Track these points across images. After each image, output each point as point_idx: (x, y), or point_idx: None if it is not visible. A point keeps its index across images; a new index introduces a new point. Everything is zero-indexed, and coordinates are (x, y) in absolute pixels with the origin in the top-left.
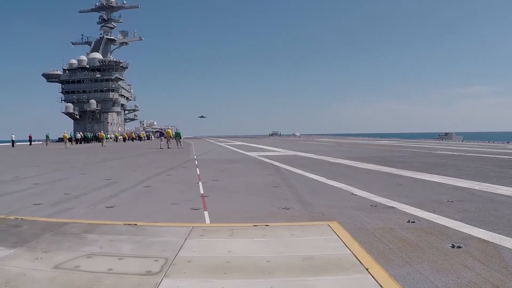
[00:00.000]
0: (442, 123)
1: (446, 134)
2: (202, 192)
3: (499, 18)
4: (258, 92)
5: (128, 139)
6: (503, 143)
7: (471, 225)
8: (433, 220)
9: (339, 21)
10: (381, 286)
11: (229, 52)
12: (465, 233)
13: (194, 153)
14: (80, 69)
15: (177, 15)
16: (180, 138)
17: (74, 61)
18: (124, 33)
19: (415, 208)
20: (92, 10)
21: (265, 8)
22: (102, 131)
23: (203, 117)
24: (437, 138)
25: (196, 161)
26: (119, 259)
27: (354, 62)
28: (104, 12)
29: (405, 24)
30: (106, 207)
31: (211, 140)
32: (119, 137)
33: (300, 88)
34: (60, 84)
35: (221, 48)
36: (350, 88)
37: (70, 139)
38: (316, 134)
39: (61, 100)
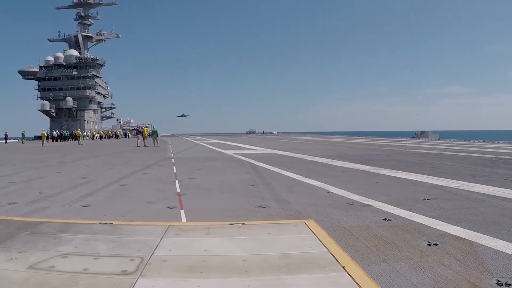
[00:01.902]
0: (420, 123)
1: (423, 132)
2: (178, 190)
3: (477, 21)
4: (235, 90)
5: (105, 137)
6: (478, 141)
7: (447, 222)
8: (410, 218)
9: (319, 22)
10: (357, 284)
11: (207, 51)
12: (441, 230)
13: (171, 151)
14: (56, 66)
15: (154, 13)
16: (157, 136)
17: (51, 58)
18: (99, 32)
19: (391, 206)
20: (70, 6)
21: (244, 7)
22: (79, 129)
23: (184, 116)
24: (414, 137)
25: (173, 159)
26: (94, 258)
27: (334, 61)
28: (81, 8)
29: (385, 26)
30: (82, 206)
31: (188, 138)
32: (96, 135)
33: (278, 86)
34: (36, 82)
35: (198, 47)
36: (328, 87)
37: (46, 137)
38: (294, 132)
39: (37, 97)
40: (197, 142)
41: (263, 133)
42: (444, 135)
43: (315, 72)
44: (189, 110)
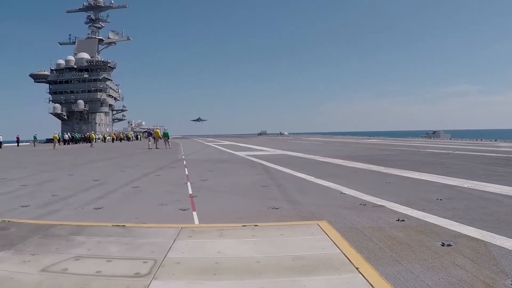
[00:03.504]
0: (431, 122)
1: (434, 132)
2: (190, 192)
3: (485, 19)
4: (247, 91)
5: (116, 140)
6: (490, 140)
7: (460, 223)
8: (423, 219)
9: (329, 21)
10: (371, 285)
11: (219, 52)
12: (455, 231)
13: (183, 153)
14: (67, 70)
15: (165, 15)
16: (168, 138)
17: (62, 61)
18: (114, 33)
19: (404, 206)
20: (80, 10)
21: (256, 8)
22: (92, 132)
23: (201, 120)
24: (426, 136)
25: (184, 161)
26: (107, 261)
27: (344, 62)
28: (91, 12)
29: (394, 24)
30: (94, 208)
31: (199, 140)
32: (107, 137)
33: (289, 87)
34: (48, 85)
35: (211, 49)
36: (339, 87)
37: (58, 140)
38: (305, 133)
39: (49, 100)
40: (208, 144)
41: (280, 133)
42: (456, 134)
43: (326, 72)
44: (201, 111)
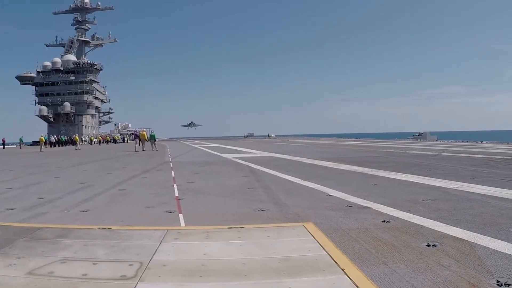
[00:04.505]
0: (418, 123)
1: (421, 134)
2: (177, 194)
3: (475, 19)
4: (235, 94)
5: (103, 142)
6: (476, 142)
7: (446, 224)
8: (408, 220)
9: (314, 22)
10: (357, 286)
11: (204, 54)
12: (440, 232)
13: (169, 155)
14: (54, 71)
15: (152, 17)
16: (155, 140)
17: (48, 63)
18: (92, 36)
19: (390, 208)
20: (67, 11)
21: (242, 9)
22: (76, 134)
23: (194, 125)
24: (412, 138)
25: (171, 164)
26: (93, 264)
27: (331, 64)
28: (78, 13)
29: (381, 25)
30: (81, 211)
31: (186, 142)
32: (94, 140)
33: (277, 89)
34: (34, 87)
35: (196, 50)
36: (326, 90)
37: (44, 143)
38: (292, 135)
39: (35, 103)
40: (195, 146)
41: (268, 136)
42: (443, 136)
43: (312, 73)
44: (189, 113)
